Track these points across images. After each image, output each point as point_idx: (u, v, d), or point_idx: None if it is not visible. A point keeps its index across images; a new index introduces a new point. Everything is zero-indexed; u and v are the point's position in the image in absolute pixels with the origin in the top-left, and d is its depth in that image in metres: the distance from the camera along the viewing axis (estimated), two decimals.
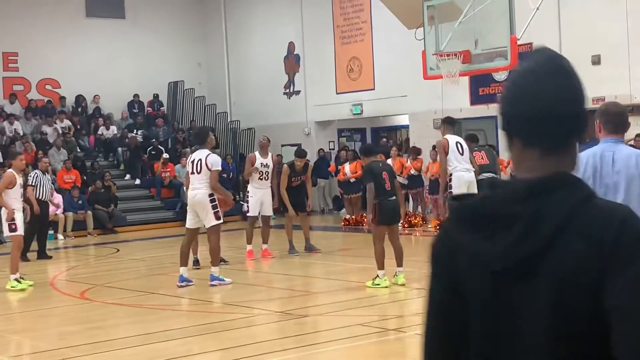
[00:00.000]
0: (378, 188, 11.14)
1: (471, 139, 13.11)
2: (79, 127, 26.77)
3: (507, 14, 13.93)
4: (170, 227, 22.45)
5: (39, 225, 16.59)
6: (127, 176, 25.49)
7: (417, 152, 20.94)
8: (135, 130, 27.02)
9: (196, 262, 14.08)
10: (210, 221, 12.02)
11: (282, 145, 25.78)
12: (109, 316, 10.73)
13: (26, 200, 14.37)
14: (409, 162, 20.78)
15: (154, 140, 26.39)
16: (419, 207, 21.17)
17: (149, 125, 27.70)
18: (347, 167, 21.93)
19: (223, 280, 12.30)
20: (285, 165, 15.80)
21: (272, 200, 15.34)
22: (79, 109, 27.70)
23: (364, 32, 24.59)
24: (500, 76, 20.58)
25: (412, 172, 20.64)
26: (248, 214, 15.58)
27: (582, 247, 1.59)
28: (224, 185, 14.60)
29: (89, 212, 22.15)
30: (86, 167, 24.48)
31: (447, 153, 11.97)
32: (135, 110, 28.32)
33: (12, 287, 12.80)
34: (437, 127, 13.59)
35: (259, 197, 15.08)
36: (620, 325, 1.55)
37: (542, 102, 1.67)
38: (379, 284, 11.33)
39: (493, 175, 12.46)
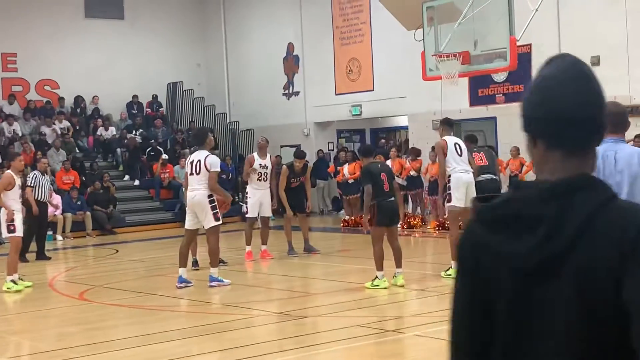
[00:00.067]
0: (376, 189, 11.13)
1: (470, 139, 13.09)
2: (77, 127, 26.76)
3: (507, 15, 13.92)
4: (169, 228, 22.45)
5: (38, 226, 16.57)
6: (126, 177, 25.49)
7: (416, 153, 20.95)
8: (134, 131, 27.01)
9: (195, 263, 14.08)
10: (210, 222, 12.01)
11: (282, 146, 25.78)
12: (107, 317, 10.72)
13: (25, 201, 14.34)
14: (408, 163, 20.78)
15: (153, 141, 26.39)
16: (418, 208, 21.17)
17: (148, 126, 27.70)
18: (346, 169, 21.95)
19: (222, 281, 12.29)
20: (284, 167, 15.80)
21: (271, 201, 15.34)
22: (78, 110, 27.69)
23: (363, 33, 24.59)
24: (500, 77, 20.59)
25: (412, 173, 20.64)
26: (247, 215, 15.58)
27: (604, 247, 1.64)
28: (223, 186, 14.60)
29: (88, 213, 22.13)
30: (85, 168, 24.47)
31: (445, 154, 11.96)
32: (134, 111, 28.30)
33: (8, 288, 12.78)
34: (436, 128, 13.58)
35: (258, 198, 15.07)
36: (637, 319, 1.60)
37: (565, 106, 1.73)
38: (378, 285, 11.33)
39: (492, 176, 12.45)
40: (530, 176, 19.26)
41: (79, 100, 27.71)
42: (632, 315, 1.60)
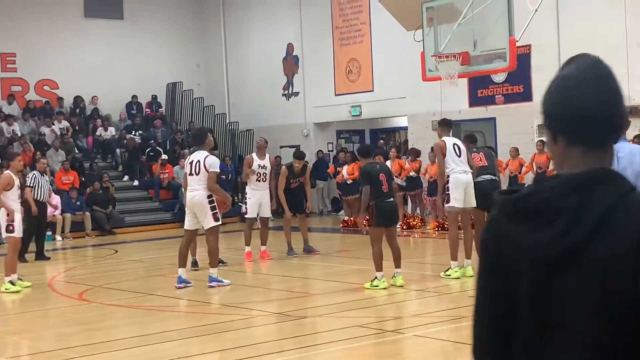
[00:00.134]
0: (375, 190, 11.13)
1: (470, 139, 13.05)
2: (77, 128, 26.76)
3: (506, 16, 13.92)
4: (169, 228, 22.46)
5: (37, 227, 16.56)
6: (126, 177, 25.48)
7: (416, 153, 20.95)
8: (133, 132, 27.01)
9: (194, 263, 14.08)
10: (209, 222, 12.00)
11: (281, 147, 25.78)
12: (107, 317, 10.71)
13: (24, 201, 14.33)
14: (407, 163, 20.79)
15: (152, 141, 26.38)
16: (418, 208, 21.17)
17: (148, 127, 27.69)
18: (345, 169, 21.97)
19: (221, 281, 12.29)
20: (283, 167, 15.80)
21: (271, 201, 15.33)
22: (77, 110, 27.69)
23: (362, 34, 24.59)
24: (499, 78, 20.60)
25: (411, 173, 20.64)
26: (246, 216, 15.58)
27: (623, 238, 1.69)
28: (222, 186, 14.60)
29: (87, 213, 22.13)
30: (84, 168, 24.46)
31: (444, 155, 11.96)
32: (133, 112, 28.30)
33: (5, 289, 12.76)
34: (435, 129, 13.58)
35: (257, 199, 15.07)
36: None
37: (585, 105, 1.80)
38: (377, 286, 11.33)
39: (492, 177, 12.43)
40: (529, 177, 19.28)
41: (78, 100, 27.71)
42: None
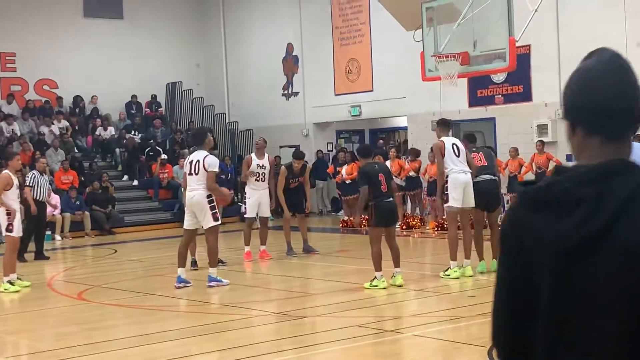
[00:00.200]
0: (374, 190, 11.14)
1: (469, 139, 13.04)
2: (76, 127, 26.75)
3: (506, 16, 13.92)
4: (168, 228, 22.45)
5: (36, 226, 16.56)
6: (125, 177, 25.48)
7: (416, 153, 20.95)
8: (133, 131, 27.00)
9: (194, 263, 14.08)
10: (208, 222, 12.00)
11: (281, 147, 25.78)
12: (106, 317, 10.72)
13: (23, 200, 14.33)
14: (407, 163, 20.79)
15: (151, 141, 26.38)
16: (417, 208, 21.17)
17: (147, 126, 27.69)
18: (344, 169, 21.98)
19: (221, 281, 12.29)
20: (282, 167, 15.81)
21: (270, 201, 15.32)
22: (77, 110, 27.68)
23: (362, 34, 24.59)
24: (499, 78, 20.60)
25: (411, 173, 20.64)
26: (246, 215, 15.59)
27: None
28: (222, 186, 14.58)
29: (87, 213, 22.13)
30: (84, 167, 24.46)
31: (443, 155, 11.96)
32: (133, 111, 28.29)
33: (5, 289, 12.75)
34: (434, 129, 13.58)
35: (256, 199, 15.07)
36: None
37: (604, 97, 1.84)
38: (376, 286, 11.33)
39: (491, 176, 12.43)
40: (529, 177, 19.28)
41: (77, 100, 27.70)
42: None
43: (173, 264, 12.96)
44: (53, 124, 25.88)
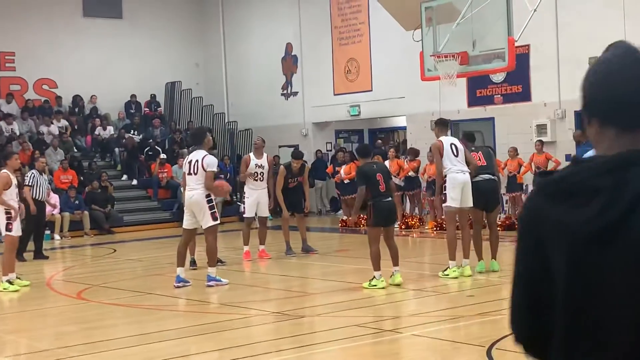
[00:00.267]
0: (372, 189, 11.15)
1: (468, 138, 13.01)
2: (76, 127, 26.75)
3: (505, 16, 13.94)
4: (167, 227, 22.46)
5: (36, 226, 16.55)
6: (124, 177, 25.48)
7: (415, 153, 20.95)
8: (132, 131, 27.00)
9: (193, 262, 14.08)
10: (207, 222, 12.01)
11: (280, 146, 25.78)
12: (105, 316, 10.72)
13: (23, 200, 14.33)
14: (406, 163, 20.79)
15: (151, 140, 26.38)
16: (416, 208, 21.17)
17: (146, 126, 27.69)
18: (342, 169, 21.99)
19: (220, 280, 12.29)
20: (281, 167, 15.82)
21: (269, 200, 15.32)
22: (76, 109, 27.68)
23: (361, 33, 24.60)
24: (498, 78, 20.60)
25: (410, 173, 20.65)
26: (244, 215, 15.59)
27: None
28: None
29: (86, 213, 22.13)
30: (83, 167, 24.46)
31: (442, 155, 11.97)
32: (132, 111, 28.29)
33: (4, 289, 12.75)
34: (433, 129, 13.60)
35: (255, 198, 15.07)
36: None
37: (618, 89, 1.86)
38: (375, 285, 11.34)
39: (490, 176, 12.43)
40: (528, 177, 19.28)
41: (77, 99, 27.70)
42: None
43: (172, 264, 12.96)
44: (52, 123, 25.88)
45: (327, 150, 26.15)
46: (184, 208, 12.46)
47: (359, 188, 11.31)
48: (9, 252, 12.93)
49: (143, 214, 23.98)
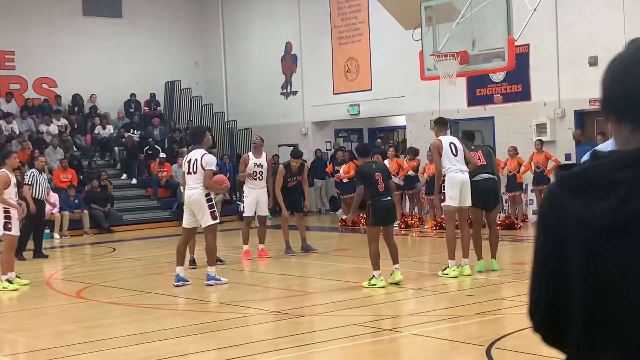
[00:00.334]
0: (371, 189, 11.16)
1: (467, 137, 12.99)
2: (75, 126, 26.76)
3: (505, 15, 13.93)
4: (167, 226, 22.47)
5: (35, 225, 16.55)
6: (124, 175, 25.48)
7: (415, 152, 20.95)
8: (131, 130, 27.01)
9: (192, 261, 14.08)
10: (207, 221, 12.01)
11: (279, 146, 25.78)
12: (105, 315, 10.72)
13: (22, 199, 14.32)
14: (406, 162, 20.79)
15: (150, 139, 26.38)
16: (416, 207, 21.17)
17: (146, 125, 27.69)
18: (342, 168, 22.00)
19: (219, 279, 12.30)
20: (281, 166, 15.82)
21: (268, 200, 15.31)
22: (76, 108, 27.68)
23: (361, 33, 24.60)
24: (498, 77, 20.61)
25: (410, 172, 20.65)
26: (244, 214, 15.59)
27: None
28: None
29: (85, 212, 22.13)
30: (82, 166, 24.46)
31: (441, 154, 11.97)
32: (131, 110, 28.30)
33: (3, 287, 12.74)
34: (433, 128, 13.60)
35: (254, 197, 15.07)
36: None
37: (631, 85, 1.90)
38: (375, 284, 11.34)
39: (490, 175, 12.42)
40: (528, 176, 19.30)
41: (76, 98, 27.70)
42: None
43: (172, 263, 12.97)
44: (52, 122, 25.88)
45: (326, 150, 26.15)
46: (184, 207, 12.46)
47: (357, 187, 11.33)
48: (8, 251, 12.93)
49: (142, 213, 23.99)
